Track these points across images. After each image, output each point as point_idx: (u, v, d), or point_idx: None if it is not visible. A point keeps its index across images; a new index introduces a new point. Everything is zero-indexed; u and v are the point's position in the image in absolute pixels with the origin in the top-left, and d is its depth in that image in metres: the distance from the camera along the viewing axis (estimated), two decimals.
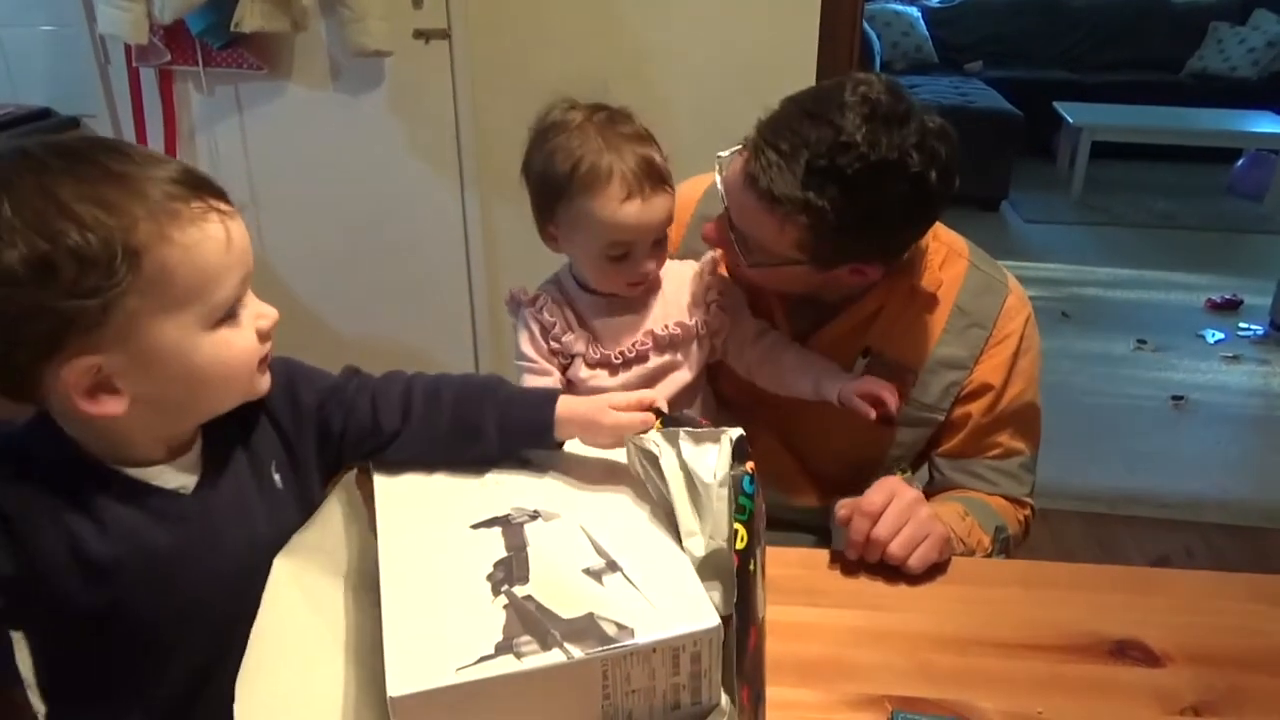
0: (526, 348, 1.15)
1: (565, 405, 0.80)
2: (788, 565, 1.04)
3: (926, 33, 5.85)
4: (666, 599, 0.64)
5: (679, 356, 1.16)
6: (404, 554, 0.69)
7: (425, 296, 2.57)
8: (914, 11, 5.91)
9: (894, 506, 1.01)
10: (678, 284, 1.18)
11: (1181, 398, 3.05)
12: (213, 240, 0.63)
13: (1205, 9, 5.75)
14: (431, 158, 2.42)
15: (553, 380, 1.15)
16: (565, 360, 1.16)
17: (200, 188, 0.63)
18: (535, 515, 0.74)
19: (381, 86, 2.35)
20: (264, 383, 0.73)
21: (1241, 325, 3.55)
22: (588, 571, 0.67)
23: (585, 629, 0.61)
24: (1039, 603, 0.99)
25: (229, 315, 0.66)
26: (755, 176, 1.03)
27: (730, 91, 1.28)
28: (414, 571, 0.66)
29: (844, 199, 1.00)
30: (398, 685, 0.56)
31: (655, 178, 1.04)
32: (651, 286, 1.16)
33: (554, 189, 1.06)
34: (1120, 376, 3.21)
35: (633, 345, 1.14)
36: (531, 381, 1.13)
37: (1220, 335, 3.48)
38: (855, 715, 0.85)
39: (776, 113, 1.06)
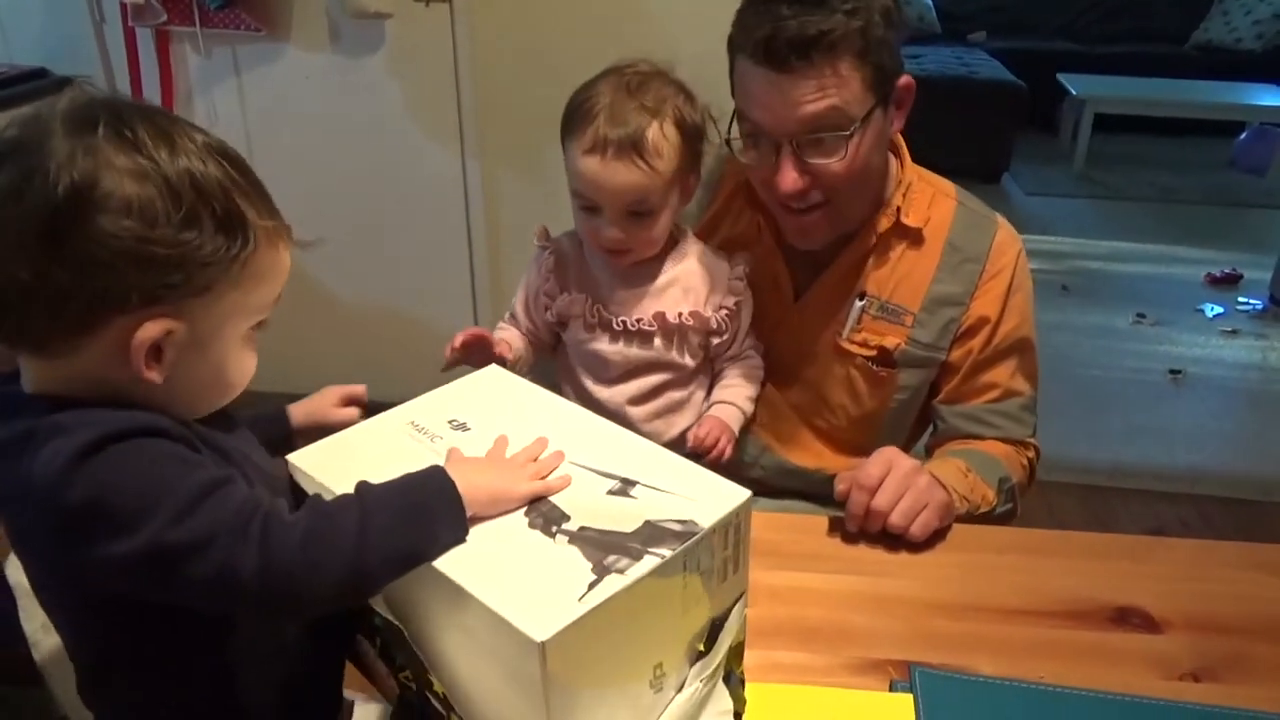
0: (519, 289, 1.21)
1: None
2: (788, 530, 1.04)
3: (929, 1, 5.79)
4: (695, 489, 0.71)
5: (682, 346, 1.16)
6: None
7: (424, 261, 2.56)
8: None
9: (892, 477, 1.01)
10: (703, 277, 1.17)
11: (1180, 371, 3.05)
12: (287, 263, 0.68)
13: None
14: (432, 121, 2.40)
15: (518, 325, 1.22)
16: (555, 319, 1.17)
17: (280, 215, 0.67)
18: None
19: (381, 49, 2.33)
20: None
21: (1241, 300, 3.55)
22: (612, 493, 0.70)
23: (655, 534, 0.66)
24: (1039, 570, 1.00)
25: (255, 329, 0.68)
26: (780, 43, 1.01)
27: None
28: (463, 549, 0.66)
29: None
30: (539, 631, 0.58)
31: (626, 147, 1.04)
32: (671, 264, 1.16)
33: (564, 119, 1.10)
34: (1119, 350, 3.21)
35: (638, 320, 1.14)
36: (507, 313, 1.23)
37: (1219, 309, 3.48)
38: (857, 679, 0.85)
39: (737, 21, 1.07)
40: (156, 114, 0.61)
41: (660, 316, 1.14)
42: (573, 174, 1.09)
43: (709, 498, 0.70)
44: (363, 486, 0.65)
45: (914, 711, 0.81)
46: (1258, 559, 1.03)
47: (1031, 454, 1.25)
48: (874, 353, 1.21)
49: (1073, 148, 5.03)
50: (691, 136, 1.09)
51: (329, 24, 2.31)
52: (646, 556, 0.64)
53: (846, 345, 1.22)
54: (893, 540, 1.02)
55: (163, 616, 0.62)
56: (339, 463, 0.73)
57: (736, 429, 1.17)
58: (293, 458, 0.74)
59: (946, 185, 1.24)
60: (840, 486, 1.03)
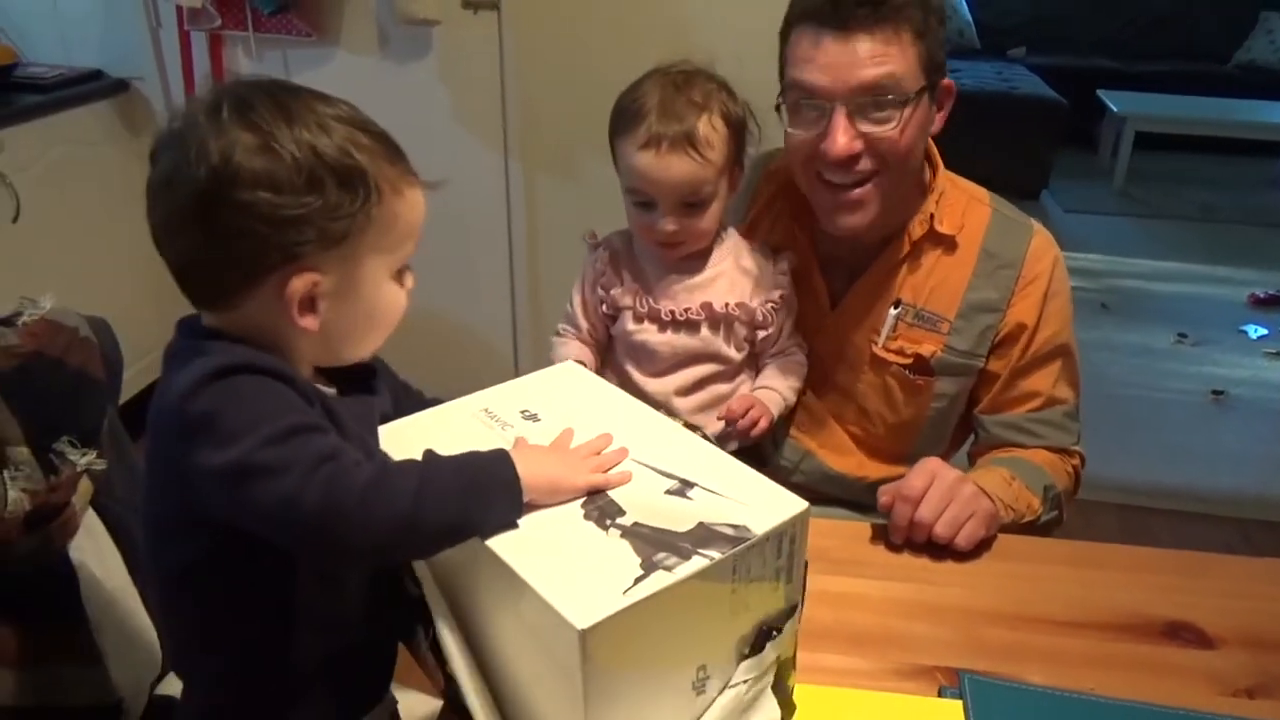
0: (574, 292, 1.22)
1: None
2: (836, 536, 1.04)
3: (969, 16, 5.77)
4: (753, 496, 0.71)
5: (729, 336, 1.18)
6: None
7: (464, 264, 2.59)
8: None
9: (935, 488, 1.01)
10: (747, 269, 1.19)
11: (1222, 392, 3.01)
12: (419, 202, 0.72)
13: None
14: (476, 127, 2.43)
15: (580, 332, 1.22)
16: (611, 312, 1.19)
17: (405, 159, 0.71)
18: None
19: (429, 55, 2.36)
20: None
21: None
22: (670, 493, 0.71)
23: (707, 536, 0.66)
24: (1088, 582, 0.99)
25: (401, 271, 0.72)
26: (845, 3, 1.04)
27: (775, 61, 1.29)
28: (517, 532, 0.67)
29: None
30: (581, 619, 0.59)
31: (681, 140, 1.07)
32: (717, 257, 1.18)
33: (612, 121, 1.14)
34: (1159, 369, 3.17)
35: (685, 310, 1.16)
36: (564, 321, 1.24)
37: (1263, 330, 3.43)
38: (905, 684, 0.85)
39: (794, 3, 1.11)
40: (279, 91, 0.67)
41: (708, 306, 1.16)
42: (627, 171, 1.12)
43: (765, 506, 0.70)
44: (430, 454, 0.70)
45: (964, 718, 0.81)
46: None
47: (1076, 461, 1.24)
48: (910, 360, 1.21)
49: (1113, 165, 4.99)
50: (737, 129, 1.13)
51: (378, 30, 2.35)
52: (695, 557, 0.64)
53: (882, 353, 1.22)
54: (940, 549, 1.02)
55: (241, 552, 0.65)
56: (410, 440, 0.74)
57: (775, 411, 1.18)
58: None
59: (980, 192, 1.24)
60: (883, 499, 1.03)
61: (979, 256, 1.20)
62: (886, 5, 1.04)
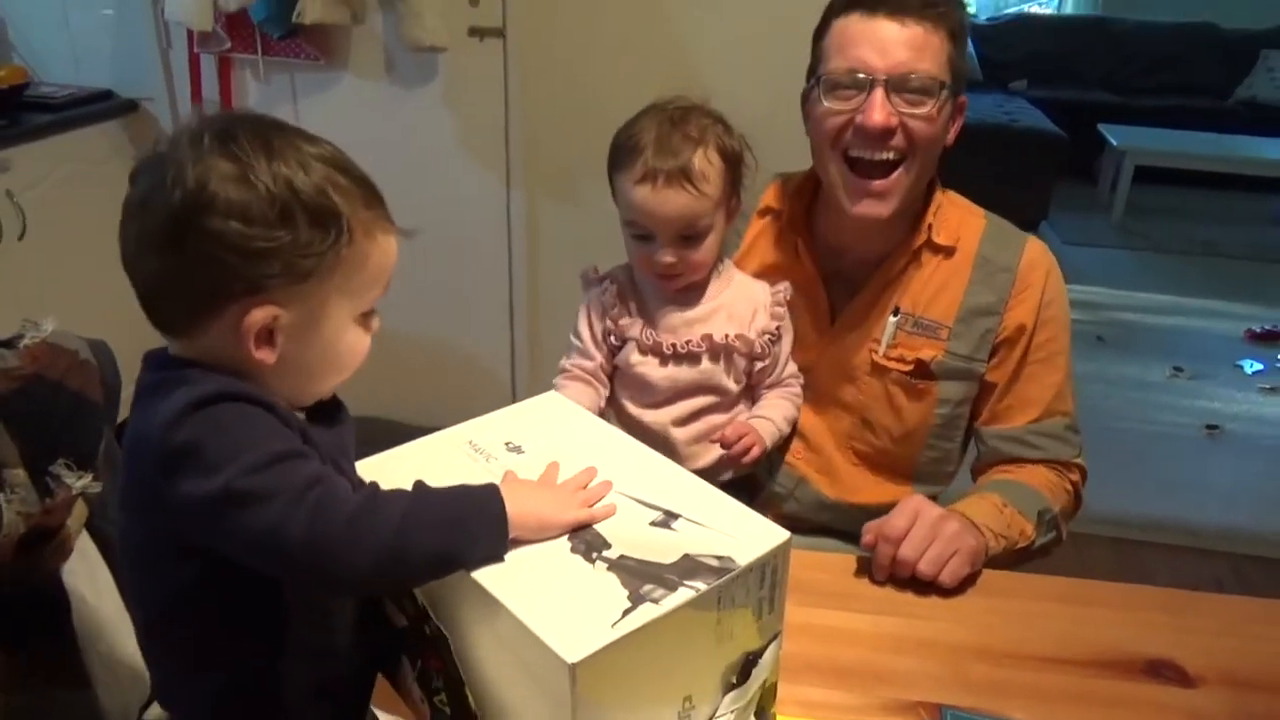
0: (581, 326, 1.22)
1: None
2: (823, 569, 1.05)
3: (972, 49, 5.82)
4: (736, 528, 0.72)
5: (728, 367, 1.20)
6: None
7: (464, 290, 2.61)
8: None
9: (918, 527, 1.02)
10: (745, 301, 1.21)
11: (1217, 427, 3.02)
12: (392, 249, 0.73)
13: (1257, 36, 5.69)
14: (479, 153, 2.46)
15: (593, 364, 1.21)
16: (618, 343, 1.20)
17: (382, 204, 0.73)
18: None
19: (435, 81, 2.39)
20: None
21: None
22: (654, 524, 0.73)
23: (692, 567, 0.68)
24: (1074, 619, 1.00)
25: (367, 315, 0.73)
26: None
27: (780, 91, 1.31)
28: (503, 563, 0.68)
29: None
30: (571, 653, 0.60)
31: (677, 174, 1.10)
32: (717, 289, 1.20)
33: (610, 156, 1.16)
34: (1155, 403, 3.18)
35: (686, 343, 1.17)
36: (574, 358, 1.22)
37: (1259, 366, 3.44)
38: (889, 719, 0.86)
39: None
40: (264, 127, 0.68)
41: (708, 338, 1.18)
42: (625, 205, 1.14)
43: (749, 536, 0.71)
44: (420, 485, 0.70)
45: None
46: None
47: (1076, 476, 1.25)
48: (911, 366, 1.23)
49: (1112, 198, 5.02)
50: (733, 162, 1.15)
51: (385, 55, 2.39)
52: (682, 588, 0.65)
53: (883, 361, 1.24)
54: (926, 584, 1.03)
55: (227, 580, 0.66)
56: (394, 473, 0.75)
57: (769, 440, 1.19)
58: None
59: (976, 208, 1.28)
60: (866, 538, 1.04)
61: (975, 262, 1.23)
62: (930, 3, 1.12)
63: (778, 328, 1.21)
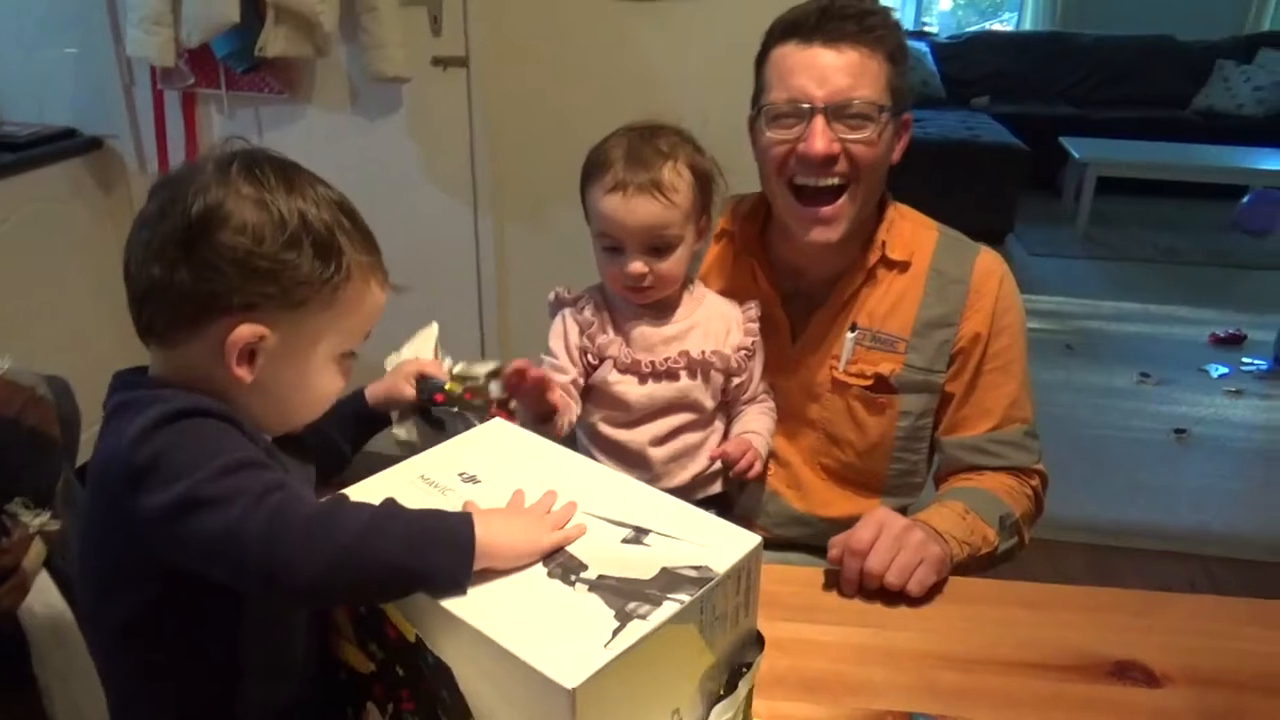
0: (555, 343, 1.22)
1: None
2: (790, 583, 1.06)
3: (934, 67, 5.92)
4: (706, 537, 0.73)
5: (706, 383, 1.21)
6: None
7: (434, 318, 2.60)
8: (923, 46, 5.98)
9: (883, 538, 1.03)
10: (718, 319, 1.23)
11: (1184, 431, 3.06)
12: (381, 300, 0.77)
13: (1212, 47, 5.82)
14: (446, 182, 2.46)
15: (567, 379, 1.20)
16: (596, 361, 1.21)
17: (380, 256, 0.77)
18: None
19: (399, 111, 2.40)
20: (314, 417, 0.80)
21: (1245, 360, 3.57)
22: (626, 541, 0.73)
23: (672, 581, 0.68)
24: (1040, 623, 1.01)
25: (344, 357, 0.76)
26: (833, 16, 1.13)
27: (745, 119, 1.33)
28: (482, 595, 0.67)
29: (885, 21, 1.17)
30: (569, 679, 0.59)
31: (646, 185, 1.12)
32: (689, 307, 1.22)
33: (583, 172, 1.18)
34: (1123, 409, 3.22)
35: (665, 360, 1.19)
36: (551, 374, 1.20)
37: (1224, 370, 3.50)
38: None
39: (773, 28, 1.19)
40: (287, 164, 0.73)
41: (686, 355, 1.19)
42: (596, 216, 1.16)
43: (720, 544, 0.72)
44: (390, 500, 0.70)
45: None
46: (1258, 615, 1.04)
47: (1036, 482, 1.27)
48: (870, 381, 1.25)
49: (1076, 209, 5.10)
50: (703, 179, 1.17)
51: (350, 87, 2.39)
52: (666, 602, 0.66)
53: (843, 377, 1.26)
54: (894, 594, 1.03)
55: (187, 600, 0.66)
56: None
57: (764, 454, 1.22)
58: None
59: (928, 221, 1.30)
60: (833, 552, 1.05)
61: (929, 276, 1.25)
62: (867, 24, 1.13)
63: (753, 343, 1.23)
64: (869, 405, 1.26)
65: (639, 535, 0.73)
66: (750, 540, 0.73)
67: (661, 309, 1.21)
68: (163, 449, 0.63)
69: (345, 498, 0.70)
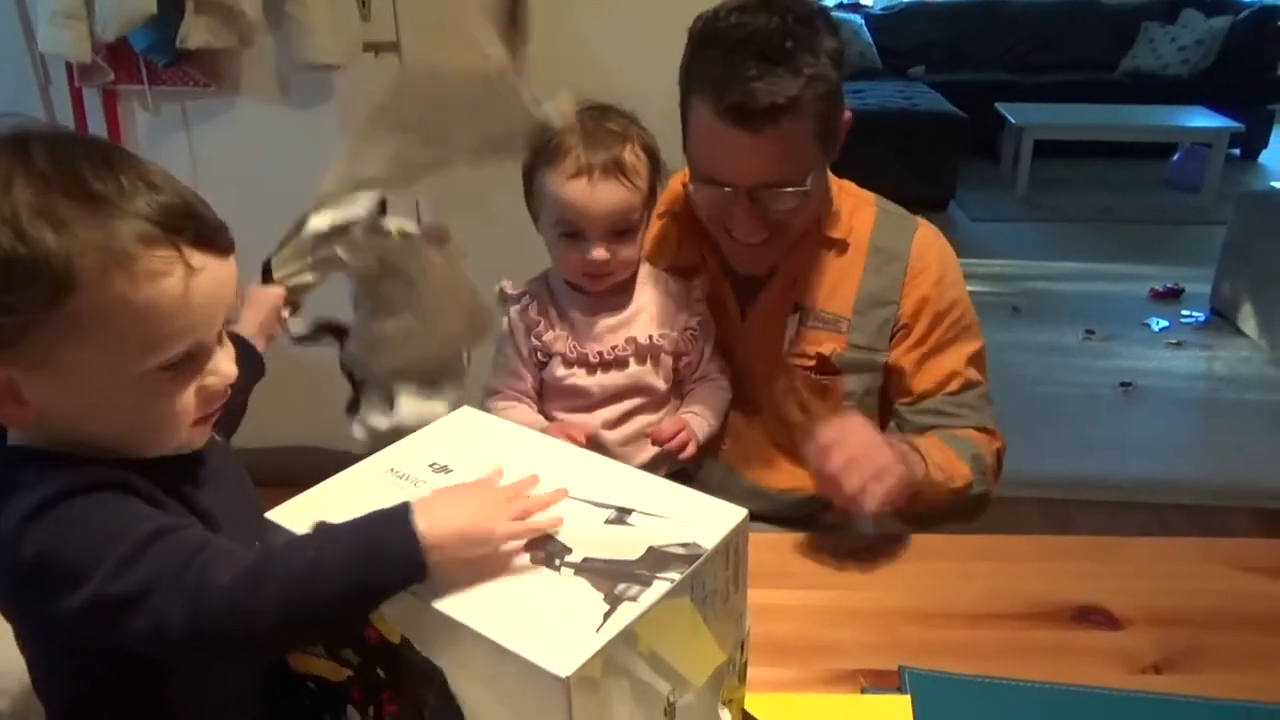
0: (507, 347, 1.20)
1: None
2: (758, 549, 1.02)
3: (870, 39, 5.95)
4: (691, 513, 0.71)
5: (656, 368, 1.19)
6: (444, 581, 0.65)
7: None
8: (856, 18, 6.01)
9: (851, 440, 1.02)
10: (664, 298, 1.21)
11: (1130, 384, 3.13)
12: (166, 294, 0.58)
13: (1136, 9, 5.94)
14: None
15: (525, 385, 1.18)
16: (544, 359, 1.18)
17: (181, 230, 0.58)
18: None
19: (331, 100, 2.34)
20: (196, 438, 0.67)
21: (1184, 312, 3.65)
22: (609, 522, 0.70)
23: (660, 559, 0.66)
24: (1002, 575, 1.02)
25: (172, 366, 0.60)
26: (752, 109, 1.03)
27: (673, 104, 1.33)
28: (466, 588, 0.64)
29: (816, 54, 1.06)
30: (562, 667, 0.57)
31: (610, 168, 1.08)
32: (631, 291, 1.18)
33: (530, 161, 1.13)
34: (1071, 366, 3.28)
35: (613, 349, 1.16)
36: (505, 379, 1.19)
37: (1164, 323, 3.58)
38: (830, 688, 0.86)
39: (696, 64, 1.10)
40: None
41: (633, 341, 1.17)
42: (555, 203, 1.11)
43: (707, 519, 0.70)
44: (320, 524, 0.64)
45: (911, 711, 0.82)
46: (1211, 553, 1.06)
47: (999, 445, 1.27)
48: (814, 362, 1.24)
49: (1014, 174, 5.18)
50: (654, 158, 1.15)
51: (278, 77, 2.32)
52: (656, 582, 0.64)
53: (789, 359, 1.25)
54: (858, 554, 1.03)
55: (129, 662, 0.61)
56: (317, 514, 0.69)
57: (701, 435, 1.19)
58: (273, 514, 0.72)
59: (866, 195, 1.29)
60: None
61: (868, 253, 1.24)
62: (788, 111, 1.04)
63: (699, 322, 1.21)
64: (812, 387, 1.25)
65: (622, 515, 0.71)
66: (737, 513, 0.71)
67: (612, 293, 1.18)
68: (51, 545, 0.55)
69: (271, 545, 0.63)
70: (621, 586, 0.63)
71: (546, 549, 0.67)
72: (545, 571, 0.65)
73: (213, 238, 0.61)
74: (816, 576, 1.02)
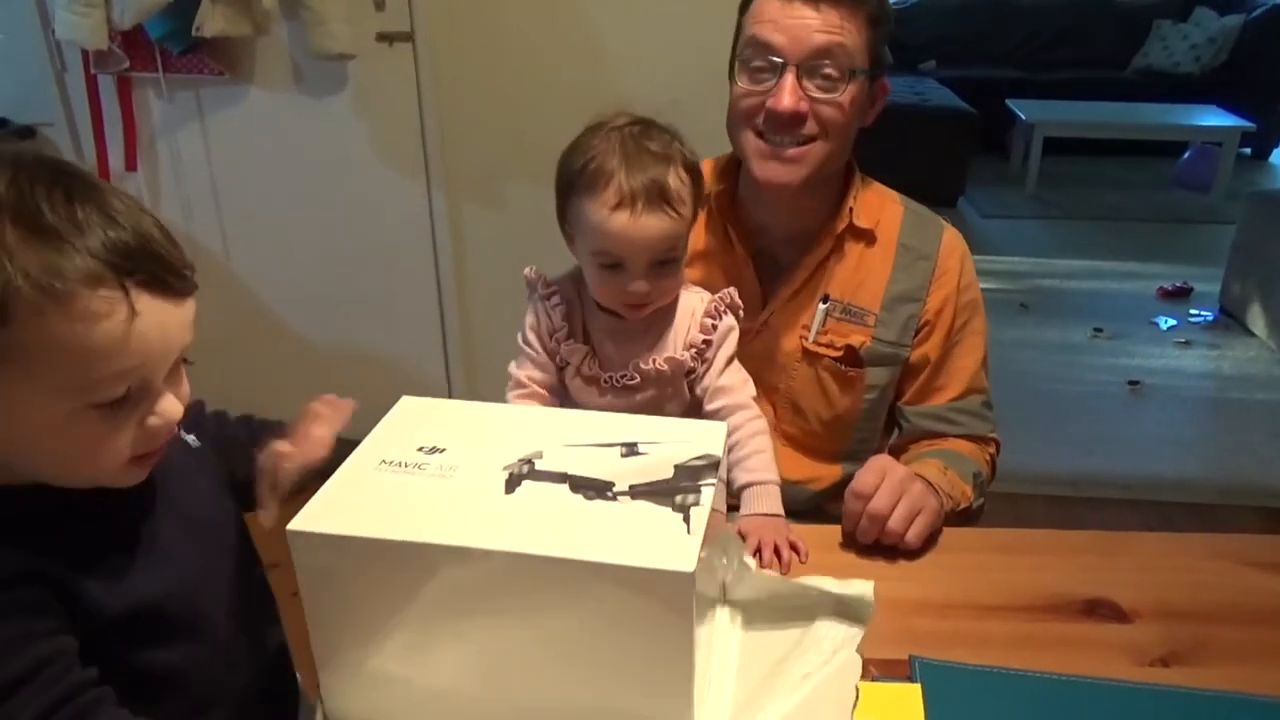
0: (531, 335, 1.15)
1: None
2: None
3: None
4: (684, 434, 0.80)
5: (668, 390, 1.13)
6: (507, 525, 0.69)
7: (393, 299, 2.57)
8: None
9: (888, 483, 1.03)
10: (681, 317, 1.13)
11: (1138, 382, 3.13)
12: (104, 336, 0.56)
13: (1148, 7, 5.91)
14: (396, 159, 2.42)
15: (546, 377, 1.14)
16: (562, 363, 1.14)
17: (131, 271, 0.57)
18: (530, 462, 0.77)
19: (345, 89, 2.35)
20: (131, 477, 0.65)
21: (1192, 311, 3.65)
22: (625, 456, 0.77)
23: (691, 471, 0.75)
24: (1011, 568, 1.03)
25: (108, 405, 0.59)
26: None
27: (690, 91, 1.31)
28: (553, 534, 0.68)
29: None
30: (685, 564, 0.64)
31: (655, 197, 1.02)
32: (658, 315, 1.12)
33: (566, 183, 1.07)
34: (1078, 364, 3.28)
35: (621, 376, 1.11)
36: (528, 368, 1.14)
37: (1173, 321, 3.58)
38: None
39: None
40: None
41: (638, 369, 1.11)
42: (598, 234, 1.04)
43: (700, 436, 0.80)
44: None
45: (921, 699, 0.83)
46: (1217, 549, 1.07)
47: (992, 449, 1.30)
48: (841, 353, 1.25)
49: (1024, 171, 5.17)
50: (697, 177, 1.08)
51: (292, 66, 2.34)
52: (703, 487, 0.72)
53: (814, 347, 1.26)
54: (869, 545, 1.04)
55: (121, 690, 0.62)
56: (346, 514, 0.70)
57: (782, 511, 1.08)
58: (295, 525, 0.70)
59: (891, 193, 1.31)
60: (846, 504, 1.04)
61: (897, 250, 1.25)
62: None
63: (704, 340, 1.12)
64: (838, 377, 1.26)
65: (632, 449, 0.77)
66: (719, 428, 0.82)
67: (644, 319, 1.11)
68: None
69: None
70: (679, 497, 0.71)
71: (595, 487, 0.73)
72: (604, 504, 0.71)
73: (167, 281, 0.59)
74: (823, 567, 1.01)
